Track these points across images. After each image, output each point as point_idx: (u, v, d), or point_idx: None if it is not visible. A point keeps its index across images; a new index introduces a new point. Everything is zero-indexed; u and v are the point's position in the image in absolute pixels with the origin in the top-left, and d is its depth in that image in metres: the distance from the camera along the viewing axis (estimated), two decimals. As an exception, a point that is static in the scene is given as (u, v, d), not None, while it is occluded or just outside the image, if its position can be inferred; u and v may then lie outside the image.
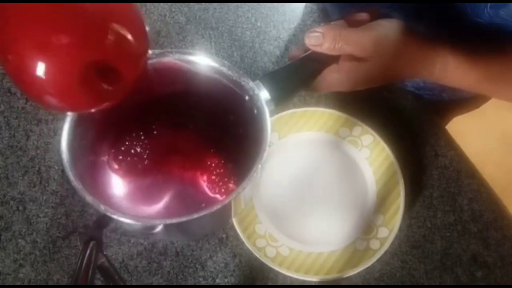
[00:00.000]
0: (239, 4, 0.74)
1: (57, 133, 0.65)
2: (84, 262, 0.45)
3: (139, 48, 0.40)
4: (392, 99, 0.69)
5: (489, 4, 0.53)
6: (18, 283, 0.59)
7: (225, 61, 0.47)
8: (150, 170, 0.51)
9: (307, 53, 0.50)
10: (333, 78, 0.50)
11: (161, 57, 0.46)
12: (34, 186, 0.63)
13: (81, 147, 0.44)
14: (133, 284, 0.59)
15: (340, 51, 0.49)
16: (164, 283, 0.59)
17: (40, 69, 0.34)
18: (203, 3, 0.74)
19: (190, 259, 0.60)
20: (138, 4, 0.73)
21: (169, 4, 0.74)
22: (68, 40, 0.35)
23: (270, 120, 0.45)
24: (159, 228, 0.45)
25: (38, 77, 0.35)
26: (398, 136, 0.65)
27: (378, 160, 0.63)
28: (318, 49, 0.49)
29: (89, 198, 0.41)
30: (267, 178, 0.63)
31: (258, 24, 0.74)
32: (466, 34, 0.55)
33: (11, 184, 0.63)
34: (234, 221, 0.59)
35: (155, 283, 0.59)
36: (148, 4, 0.74)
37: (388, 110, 0.68)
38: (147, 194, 0.51)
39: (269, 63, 0.71)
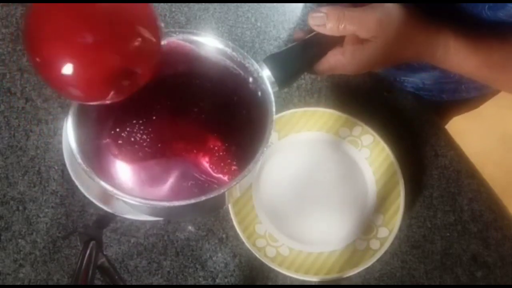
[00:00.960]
0: (239, 4, 0.74)
1: (57, 133, 0.65)
2: (84, 262, 0.45)
3: (157, 47, 0.40)
4: (392, 99, 0.69)
5: (486, 6, 0.53)
6: (18, 283, 0.59)
7: (229, 42, 0.46)
8: (152, 153, 0.50)
9: (310, 35, 0.50)
10: (337, 60, 0.50)
11: (165, 37, 0.45)
12: (34, 186, 0.63)
13: (85, 131, 0.44)
14: (133, 284, 0.59)
15: (343, 32, 0.48)
16: (164, 283, 0.59)
17: (68, 68, 0.36)
18: (203, 3, 0.74)
19: (190, 259, 0.60)
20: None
21: (169, 4, 0.74)
22: (95, 43, 0.36)
23: (274, 102, 0.45)
24: (166, 211, 0.45)
25: (65, 75, 0.36)
26: (398, 136, 0.65)
27: (378, 160, 0.63)
28: (321, 30, 0.49)
29: (98, 181, 0.40)
30: (267, 178, 0.63)
31: (258, 24, 0.74)
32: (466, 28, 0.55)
33: (11, 184, 0.63)
34: (234, 221, 0.59)
35: (155, 283, 0.59)
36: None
37: (388, 110, 0.68)
38: (151, 176, 0.50)
39: (269, 63, 0.71)
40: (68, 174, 0.58)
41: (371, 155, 0.64)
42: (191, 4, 0.74)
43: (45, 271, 0.59)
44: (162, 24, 0.41)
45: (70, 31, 0.35)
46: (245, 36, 0.73)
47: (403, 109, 0.69)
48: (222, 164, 0.51)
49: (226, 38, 0.72)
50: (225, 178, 0.50)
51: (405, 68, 0.72)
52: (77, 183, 0.56)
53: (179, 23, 0.73)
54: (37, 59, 0.37)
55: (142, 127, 0.51)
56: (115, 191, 0.40)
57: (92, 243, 0.47)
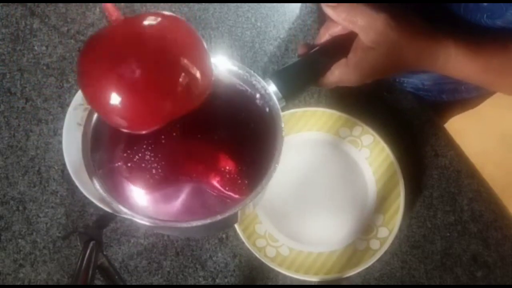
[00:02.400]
0: (239, 4, 0.74)
1: (57, 133, 0.65)
2: (84, 262, 0.45)
3: (206, 87, 0.40)
4: (392, 99, 0.69)
5: (485, 14, 0.54)
6: (18, 283, 0.59)
7: (236, 61, 0.47)
8: (163, 174, 0.51)
9: (315, 49, 0.51)
10: (342, 71, 0.51)
11: None
12: (34, 186, 0.63)
13: (98, 155, 0.44)
14: (133, 284, 0.59)
15: (350, 22, 0.49)
16: (164, 283, 0.59)
17: (117, 101, 0.36)
18: (203, 3, 0.74)
19: (190, 259, 0.60)
20: (138, 4, 0.73)
21: (169, 4, 0.74)
22: (147, 85, 0.36)
23: (282, 118, 0.45)
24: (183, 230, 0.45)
25: (116, 107, 0.36)
26: (398, 136, 0.65)
27: (378, 160, 0.63)
28: (333, 16, 0.50)
29: (116, 206, 0.41)
30: (267, 178, 0.63)
31: (258, 24, 0.74)
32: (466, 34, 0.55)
33: (11, 184, 0.63)
34: (234, 221, 0.59)
35: (155, 283, 0.59)
36: (148, 4, 0.74)
37: (388, 110, 0.68)
38: (163, 195, 0.51)
39: (269, 63, 0.71)
40: (68, 174, 0.58)
41: (371, 155, 0.64)
42: (191, 4, 0.74)
43: (45, 271, 0.59)
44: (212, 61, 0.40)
45: (122, 68, 0.35)
46: (245, 36, 0.73)
47: (403, 109, 0.69)
48: (233, 183, 0.51)
49: (226, 38, 0.72)
50: (236, 195, 0.50)
51: None
52: (77, 183, 0.56)
53: (179, 23, 0.73)
54: (89, 89, 0.37)
55: (151, 149, 0.51)
56: (134, 214, 0.41)
57: (92, 243, 0.47)
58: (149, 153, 0.51)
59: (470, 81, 0.56)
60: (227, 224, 0.56)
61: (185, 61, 0.37)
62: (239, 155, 0.52)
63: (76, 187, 0.56)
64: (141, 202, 0.49)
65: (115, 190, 0.45)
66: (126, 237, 0.61)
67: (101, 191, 0.41)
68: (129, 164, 0.50)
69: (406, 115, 0.68)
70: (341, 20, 0.50)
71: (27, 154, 0.64)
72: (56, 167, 0.63)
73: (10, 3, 0.73)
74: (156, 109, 0.37)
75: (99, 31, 0.37)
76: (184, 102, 0.38)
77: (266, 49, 0.72)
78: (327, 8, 0.50)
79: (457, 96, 0.77)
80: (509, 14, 0.52)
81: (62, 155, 0.58)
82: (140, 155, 0.50)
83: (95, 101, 0.37)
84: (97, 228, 0.57)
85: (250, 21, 0.74)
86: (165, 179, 0.51)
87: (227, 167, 0.52)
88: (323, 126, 0.65)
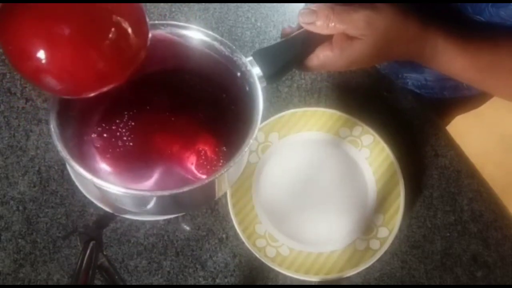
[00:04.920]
0: (239, 4, 0.74)
1: (57, 133, 0.65)
2: (84, 262, 0.45)
3: (139, 47, 0.40)
4: (392, 99, 0.69)
5: (490, 4, 0.53)
6: (18, 283, 0.58)
7: (217, 36, 0.46)
8: (136, 150, 0.49)
9: (300, 30, 0.50)
10: (326, 56, 0.50)
11: (153, 30, 0.44)
12: (34, 186, 0.63)
13: (69, 124, 0.43)
14: (133, 284, 0.59)
15: (333, 30, 0.48)
16: (164, 283, 0.59)
17: (42, 55, 0.35)
18: (203, 3, 0.74)
19: (190, 259, 0.60)
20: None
21: (169, 4, 0.74)
22: (72, 34, 0.35)
23: (262, 97, 0.44)
24: (151, 203, 0.45)
25: (41, 63, 0.35)
26: (398, 136, 0.65)
27: (378, 160, 0.63)
28: (311, 28, 0.48)
29: (78, 168, 0.40)
30: (267, 178, 0.63)
31: (258, 24, 0.74)
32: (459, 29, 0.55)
33: (11, 184, 0.63)
34: (234, 221, 0.59)
35: (155, 283, 0.59)
36: (148, 4, 0.74)
37: (388, 110, 0.68)
38: (136, 172, 0.49)
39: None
40: (68, 174, 0.58)
41: (371, 155, 0.64)
42: (191, 4, 0.74)
43: (45, 271, 0.59)
44: (148, 20, 0.40)
45: (47, 21, 0.35)
46: (245, 36, 0.73)
47: (403, 109, 0.69)
48: (208, 165, 0.50)
49: (226, 38, 0.72)
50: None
51: (409, 64, 0.72)
52: (77, 183, 0.56)
53: (179, 23, 0.73)
54: (10, 47, 0.36)
55: (125, 125, 0.49)
56: (97, 180, 0.40)
57: (92, 243, 0.47)
58: (122, 128, 0.49)
59: (458, 78, 0.55)
60: (205, 200, 0.54)
61: (115, 16, 0.36)
62: (217, 135, 0.51)
63: (76, 187, 0.56)
64: (111, 178, 0.48)
65: (84, 163, 0.44)
66: (126, 237, 0.61)
67: (71, 161, 0.40)
68: (102, 137, 0.49)
69: (406, 115, 0.68)
70: (317, 28, 0.48)
71: (27, 154, 0.64)
72: (56, 167, 0.63)
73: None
74: (86, 64, 0.36)
75: None
76: (115, 60, 0.37)
77: (266, 49, 0.72)
78: (300, 18, 0.49)
79: (459, 93, 0.77)
80: None
81: (62, 155, 0.58)
82: (113, 129, 0.49)
83: (21, 60, 0.36)
84: (97, 228, 0.57)
85: (250, 21, 0.74)
86: (137, 156, 0.50)
87: (204, 148, 0.50)
88: (323, 126, 0.65)
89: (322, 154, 0.65)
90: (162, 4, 0.74)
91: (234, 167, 0.42)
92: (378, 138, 0.64)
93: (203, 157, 0.50)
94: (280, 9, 0.75)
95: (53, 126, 0.41)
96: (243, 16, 0.74)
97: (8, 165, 0.63)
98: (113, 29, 0.36)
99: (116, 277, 0.49)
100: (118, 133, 0.49)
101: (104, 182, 0.40)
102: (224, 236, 0.61)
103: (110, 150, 0.49)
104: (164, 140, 0.51)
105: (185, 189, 0.40)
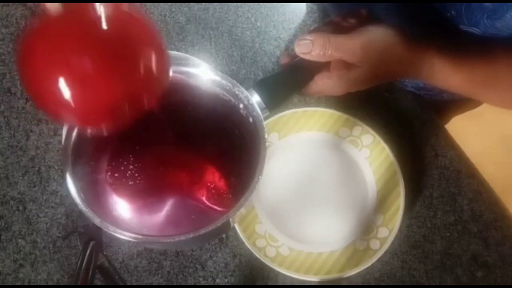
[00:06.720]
0: (239, 4, 0.74)
1: (57, 133, 0.65)
2: (84, 262, 0.45)
3: (163, 77, 0.39)
4: (392, 99, 0.69)
5: (485, 15, 0.54)
6: (18, 283, 0.59)
7: (219, 71, 0.47)
8: (148, 184, 0.51)
9: (297, 58, 0.51)
10: (325, 83, 0.51)
11: None
12: (34, 186, 0.63)
13: (81, 166, 0.44)
14: (133, 284, 0.59)
15: (329, 58, 0.49)
16: (164, 283, 0.59)
17: (65, 91, 0.34)
18: (203, 3, 0.74)
19: (190, 259, 0.60)
20: (138, 4, 0.73)
21: (169, 4, 0.74)
22: (96, 67, 0.34)
23: (266, 129, 0.45)
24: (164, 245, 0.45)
25: (65, 100, 0.34)
26: (398, 136, 0.65)
27: (378, 160, 0.63)
28: (308, 57, 0.49)
29: (98, 221, 0.41)
30: (267, 178, 0.63)
31: (258, 24, 0.74)
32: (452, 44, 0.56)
33: (11, 184, 0.63)
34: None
35: (155, 283, 0.59)
36: (148, 4, 0.74)
37: (388, 110, 0.68)
38: (147, 208, 0.51)
39: (269, 63, 0.71)
40: (68, 174, 0.58)
41: (371, 155, 0.64)
42: (191, 4, 0.74)
43: (45, 271, 0.59)
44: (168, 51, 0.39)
45: (69, 54, 0.34)
46: (245, 36, 0.73)
47: (403, 109, 0.69)
48: (218, 196, 0.51)
49: (226, 38, 0.72)
50: (220, 208, 0.51)
51: None
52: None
53: (179, 23, 0.73)
54: (33, 86, 0.35)
55: (136, 161, 0.51)
56: (114, 229, 0.41)
57: (92, 243, 0.47)
58: (133, 164, 0.51)
59: (457, 92, 0.57)
60: (213, 236, 0.56)
61: (139, 55, 0.35)
62: (225, 167, 0.52)
63: (76, 187, 0.56)
64: (125, 214, 0.49)
65: (98, 202, 0.45)
66: (126, 237, 0.61)
67: (82, 206, 0.41)
68: (113, 175, 0.50)
69: (406, 115, 0.68)
70: (314, 57, 0.49)
71: (27, 154, 0.64)
72: (56, 167, 0.63)
73: (10, 3, 0.73)
74: (108, 99, 0.35)
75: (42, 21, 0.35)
76: (137, 87, 0.36)
77: (266, 49, 0.72)
78: (296, 48, 0.49)
79: (458, 95, 0.77)
80: (508, 16, 0.52)
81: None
82: (124, 166, 0.50)
83: (42, 96, 0.36)
84: (97, 228, 0.57)
85: (250, 21, 0.74)
86: (149, 191, 0.51)
87: (213, 180, 0.52)
88: (323, 126, 0.65)
89: (322, 154, 0.65)
90: (162, 4, 0.74)
91: (245, 205, 0.43)
92: (378, 138, 0.64)
93: (213, 189, 0.51)
94: (280, 9, 0.75)
95: (68, 173, 0.43)
96: (243, 16, 0.74)
97: (8, 165, 0.63)
98: (138, 59, 0.35)
99: (116, 277, 0.49)
100: (128, 170, 0.51)
101: (120, 231, 0.41)
102: (224, 236, 0.61)
103: (122, 187, 0.50)
104: (175, 173, 0.53)
105: (202, 231, 0.40)
